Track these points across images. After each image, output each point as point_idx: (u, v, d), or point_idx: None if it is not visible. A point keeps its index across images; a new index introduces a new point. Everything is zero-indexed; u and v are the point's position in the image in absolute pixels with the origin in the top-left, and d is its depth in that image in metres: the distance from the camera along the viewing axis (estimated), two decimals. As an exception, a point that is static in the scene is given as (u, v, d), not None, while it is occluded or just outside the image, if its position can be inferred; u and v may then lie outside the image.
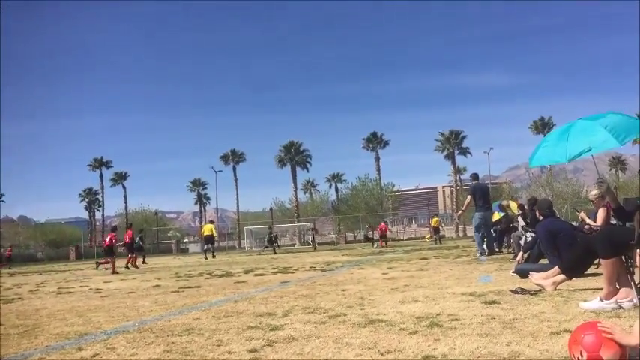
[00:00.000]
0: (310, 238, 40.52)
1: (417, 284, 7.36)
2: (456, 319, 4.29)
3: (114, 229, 20.50)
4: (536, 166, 14.25)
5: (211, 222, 30.30)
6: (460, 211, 14.33)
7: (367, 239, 39.24)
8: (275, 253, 29.37)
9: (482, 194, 13.49)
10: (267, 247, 32.59)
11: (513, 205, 14.58)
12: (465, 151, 66.89)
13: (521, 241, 10.38)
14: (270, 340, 3.93)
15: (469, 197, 13.71)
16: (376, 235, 36.61)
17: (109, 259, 17.31)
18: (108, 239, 18.41)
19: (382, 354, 3.29)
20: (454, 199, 70.00)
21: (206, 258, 24.54)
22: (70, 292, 9.62)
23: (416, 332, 3.88)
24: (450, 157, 66.80)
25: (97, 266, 20.01)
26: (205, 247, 26.49)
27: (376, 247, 30.98)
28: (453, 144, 65.90)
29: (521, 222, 12.24)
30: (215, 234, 26.95)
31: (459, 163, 68.83)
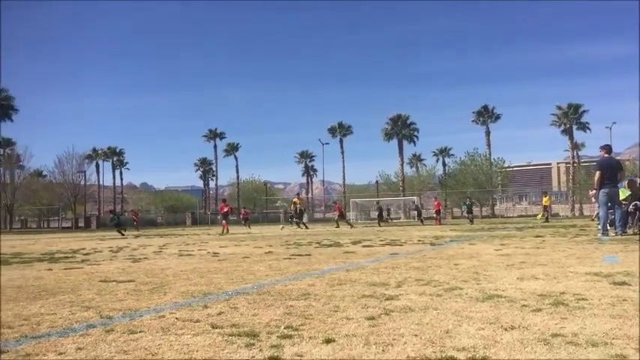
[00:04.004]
0: (415, 213, 37.70)
1: (534, 262, 7.06)
2: (583, 299, 4.07)
3: (224, 200, 30.41)
4: None
5: (297, 195, 34.67)
6: (594, 190, 13.24)
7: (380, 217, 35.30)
8: (379, 225, 29.47)
9: (611, 170, 12.59)
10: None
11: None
12: (584, 126, 62.89)
13: None
14: (386, 309, 3.94)
15: (598, 173, 12.82)
16: (334, 214, 33.45)
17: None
18: (226, 208, 26.39)
19: (506, 329, 3.19)
20: (570, 176, 66.33)
21: (298, 227, 28.16)
22: (190, 255, 10.20)
23: (540, 310, 3.72)
24: (568, 132, 63.10)
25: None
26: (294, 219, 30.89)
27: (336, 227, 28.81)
28: (571, 118, 62.15)
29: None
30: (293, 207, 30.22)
31: (577, 138, 64.98)
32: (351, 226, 29.13)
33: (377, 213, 34.65)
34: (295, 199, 30.06)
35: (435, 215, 34.59)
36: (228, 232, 23.60)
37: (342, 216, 32.23)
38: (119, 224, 27.51)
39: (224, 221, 25.26)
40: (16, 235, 32.50)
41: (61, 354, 2.95)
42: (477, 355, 2.68)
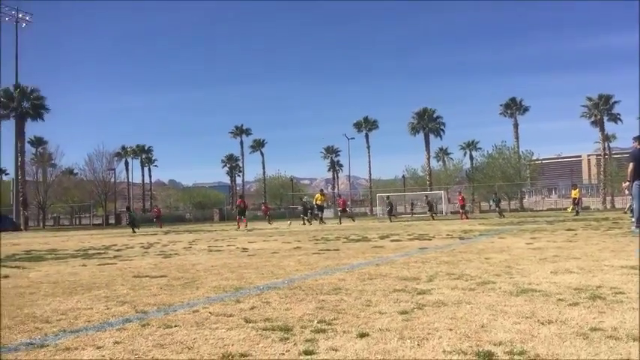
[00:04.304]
0: (428, 207, 37.23)
1: (567, 255, 6.95)
2: (621, 293, 4.00)
3: (241, 197, 31.19)
4: None
5: (320, 191, 33.90)
6: (627, 182, 12.85)
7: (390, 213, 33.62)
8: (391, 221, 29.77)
9: None
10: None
11: None
12: (615, 117, 61.49)
13: None
14: (419, 303, 3.91)
15: (631, 165, 12.49)
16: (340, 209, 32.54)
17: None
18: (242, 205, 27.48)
19: (542, 324, 3.14)
20: (601, 169, 65.05)
21: (314, 222, 28.45)
22: (220, 250, 10.29)
23: (576, 304, 3.66)
24: (598, 123, 61.79)
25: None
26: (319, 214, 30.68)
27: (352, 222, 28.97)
28: (602, 109, 60.84)
29: None
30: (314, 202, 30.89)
31: (608, 129, 63.60)
32: (326, 223, 28.79)
33: (387, 208, 34.49)
34: (318, 195, 30.19)
35: (459, 210, 34.24)
36: (239, 227, 25.10)
37: (344, 210, 32.32)
38: (133, 221, 28.05)
39: (239, 217, 26.67)
40: (50, 232, 33.20)
41: (99, 348, 3.01)
42: (515, 350, 2.64)
